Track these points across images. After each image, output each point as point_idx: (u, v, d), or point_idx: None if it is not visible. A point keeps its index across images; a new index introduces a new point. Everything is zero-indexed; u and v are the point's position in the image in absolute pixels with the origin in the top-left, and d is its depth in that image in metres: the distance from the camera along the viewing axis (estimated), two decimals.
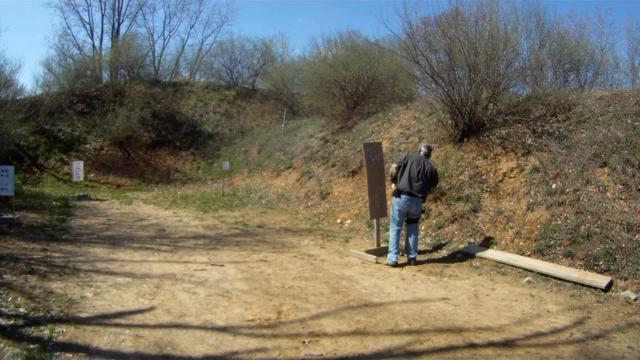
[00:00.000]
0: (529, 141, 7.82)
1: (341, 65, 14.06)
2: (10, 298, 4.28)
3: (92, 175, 16.23)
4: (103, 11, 27.04)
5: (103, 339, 3.60)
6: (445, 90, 8.66)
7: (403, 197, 6.26)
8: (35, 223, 8.04)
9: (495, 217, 7.00)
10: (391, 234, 6.42)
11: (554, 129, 7.81)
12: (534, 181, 7.07)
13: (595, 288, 5.07)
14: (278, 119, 20.01)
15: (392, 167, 6.50)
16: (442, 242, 7.13)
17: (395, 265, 6.23)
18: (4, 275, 4.91)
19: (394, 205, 6.40)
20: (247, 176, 15.62)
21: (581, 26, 15.42)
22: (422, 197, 6.28)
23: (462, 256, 6.55)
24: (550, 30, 10.82)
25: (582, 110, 7.95)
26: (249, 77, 26.03)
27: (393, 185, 6.53)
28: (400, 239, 6.43)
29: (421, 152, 6.51)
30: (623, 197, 6.01)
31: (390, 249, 6.35)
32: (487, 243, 6.69)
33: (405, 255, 6.46)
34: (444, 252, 6.80)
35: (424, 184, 6.22)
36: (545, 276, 5.53)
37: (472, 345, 3.71)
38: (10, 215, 7.94)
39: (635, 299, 4.75)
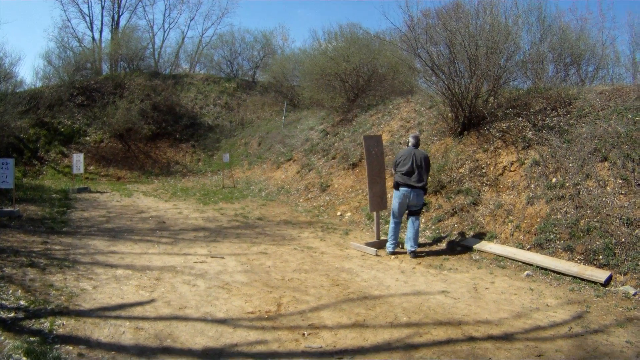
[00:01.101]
0: (530, 135, 7.80)
1: (341, 57, 13.96)
2: (10, 291, 4.29)
3: (92, 167, 16.22)
4: (103, 3, 26.82)
5: (103, 331, 3.61)
6: (446, 83, 8.63)
7: (402, 189, 6.31)
8: (35, 216, 8.04)
9: (495, 210, 7.00)
10: (390, 225, 6.48)
11: (554, 123, 7.78)
12: (534, 175, 7.07)
13: (595, 282, 5.08)
14: (278, 111, 19.95)
15: (393, 171, 6.59)
16: (442, 235, 7.14)
17: (391, 254, 6.26)
18: (4, 268, 4.92)
19: (394, 197, 6.44)
20: (247, 168, 15.61)
21: (582, 20, 15.22)
22: (422, 187, 6.29)
23: (461, 249, 6.57)
24: (552, 23, 10.72)
25: (582, 104, 7.93)
26: (249, 69, 25.91)
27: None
28: (400, 232, 6.47)
29: (409, 144, 6.51)
30: (623, 192, 6.00)
31: (388, 239, 6.42)
32: (486, 236, 6.70)
33: (404, 247, 6.49)
34: (443, 245, 6.82)
35: (420, 173, 6.24)
36: (545, 270, 5.55)
37: (472, 339, 3.72)
38: (10, 208, 7.94)
39: (634, 294, 4.76)
